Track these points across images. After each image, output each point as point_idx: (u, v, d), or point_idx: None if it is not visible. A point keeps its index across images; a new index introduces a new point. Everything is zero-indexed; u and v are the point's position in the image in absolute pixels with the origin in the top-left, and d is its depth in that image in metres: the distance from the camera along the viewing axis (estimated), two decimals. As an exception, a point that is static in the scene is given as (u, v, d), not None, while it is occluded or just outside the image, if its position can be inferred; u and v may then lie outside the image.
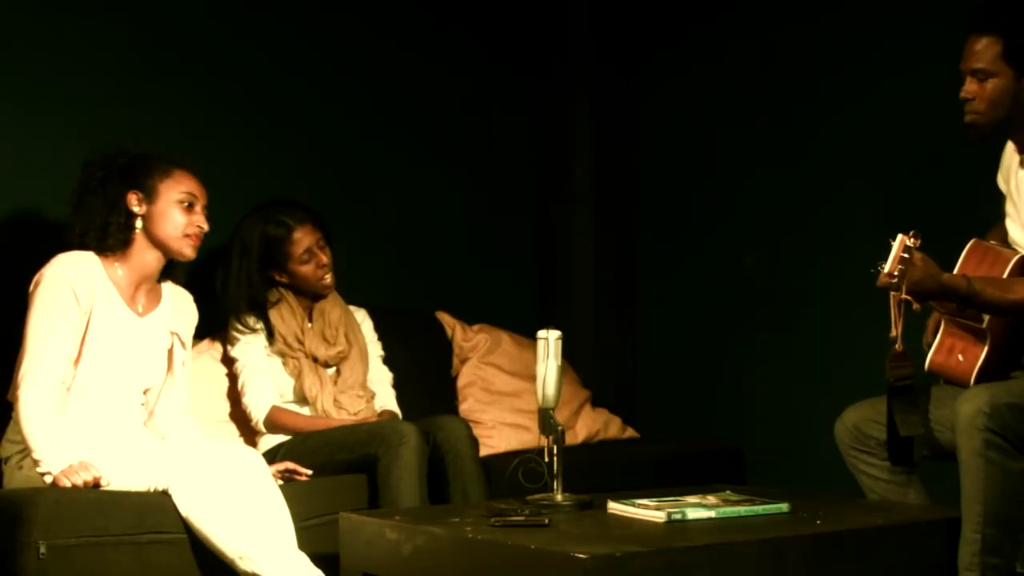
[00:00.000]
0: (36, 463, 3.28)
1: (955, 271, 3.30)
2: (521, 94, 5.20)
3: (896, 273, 3.06)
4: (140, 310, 3.54)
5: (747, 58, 4.92)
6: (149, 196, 3.51)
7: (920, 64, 4.31)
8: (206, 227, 3.57)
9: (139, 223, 3.50)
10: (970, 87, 3.26)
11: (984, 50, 3.23)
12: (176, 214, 3.52)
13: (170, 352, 3.62)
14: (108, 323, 3.45)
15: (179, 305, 3.66)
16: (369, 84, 4.83)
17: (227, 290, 4.06)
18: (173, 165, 3.56)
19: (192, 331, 3.71)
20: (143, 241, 3.52)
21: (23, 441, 3.34)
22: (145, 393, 3.59)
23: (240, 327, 4.04)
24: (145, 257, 3.53)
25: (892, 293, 3.11)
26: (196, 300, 3.73)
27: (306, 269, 4.08)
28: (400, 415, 4.13)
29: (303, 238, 4.06)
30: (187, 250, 3.54)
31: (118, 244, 3.49)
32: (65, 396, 3.39)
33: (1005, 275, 3.25)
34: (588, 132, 5.16)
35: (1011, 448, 3.04)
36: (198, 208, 3.55)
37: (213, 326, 4.15)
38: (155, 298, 3.60)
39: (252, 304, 4.05)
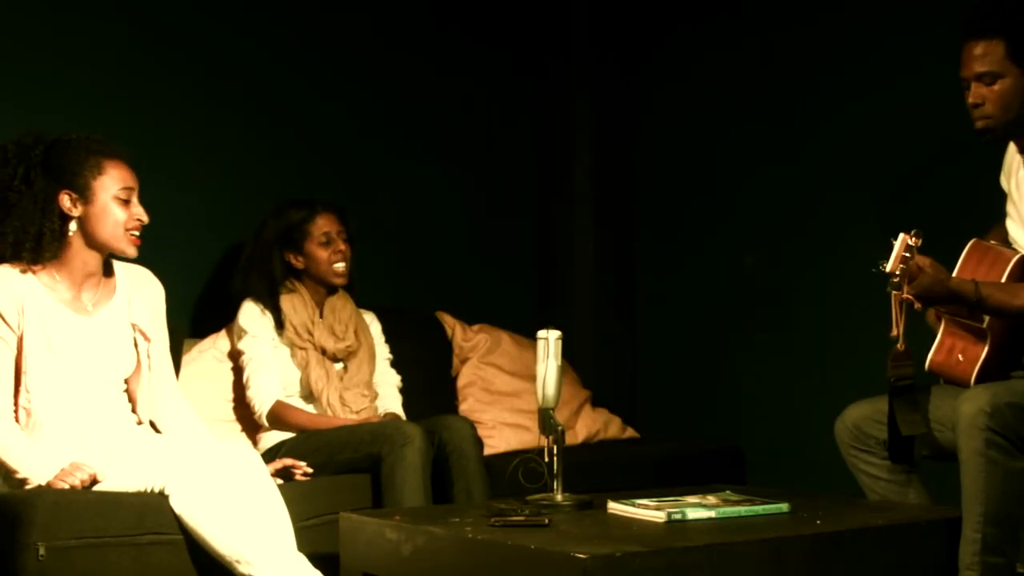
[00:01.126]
0: (24, 482, 3.24)
1: (955, 271, 3.30)
2: (521, 94, 5.20)
3: (897, 272, 3.06)
4: (89, 307, 3.41)
5: (747, 58, 4.92)
6: (84, 196, 3.32)
7: (920, 64, 4.32)
8: (146, 219, 3.39)
9: (74, 226, 3.33)
10: (978, 91, 3.25)
11: (987, 54, 3.22)
12: (115, 211, 3.34)
13: (135, 344, 3.48)
14: (48, 332, 3.31)
15: (136, 290, 3.50)
16: (369, 84, 4.84)
17: (247, 272, 4.09)
18: (103, 156, 3.35)
19: (158, 309, 3.54)
20: (79, 242, 3.35)
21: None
22: (126, 382, 3.48)
23: (249, 319, 4.04)
24: (83, 257, 3.37)
25: (894, 293, 3.11)
26: (200, 298, 3.69)
27: (322, 253, 4.10)
28: (404, 418, 4.13)
29: (325, 223, 4.12)
30: (129, 248, 3.38)
31: (53, 253, 3.32)
32: (32, 409, 3.30)
33: (1005, 275, 3.26)
34: (588, 132, 5.16)
35: (1012, 447, 3.05)
36: (135, 199, 3.38)
37: (216, 324, 4.16)
38: (107, 292, 3.45)
39: (269, 287, 4.07)
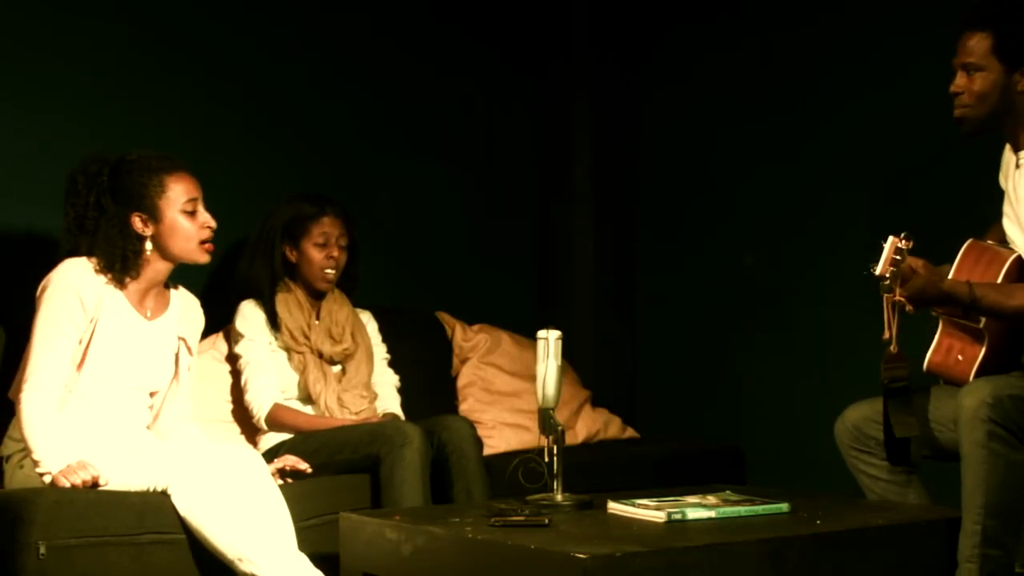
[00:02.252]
0: (35, 463, 3.28)
1: (952, 271, 3.31)
2: (521, 94, 5.20)
3: (888, 275, 3.07)
4: (148, 314, 3.54)
5: (747, 58, 4.92)
6: (153, 216, 3.47)
7: (920, 64, 4.31)
8: (214, 224, 3.55)
9: (149, 245, 3.48)
10: (960, 81, 3.31)
11: (975, 45, 3.28)
12: (184, 225, 3.49)
13: (177, 357, 3.61)
14: (116, 328, 3.45)
15: (187, 310, 3.65)
16: (369, 84, 4.84)
17: (252, 258, 4.13)
18: (163, 172, 3.49)
19: (198, 336, 3.70)
20: (155, 257, 3.50)
21: (24, 440, 3.34)
22: (152, 396, 3.58)
23: (245, 322, 4.05)
24: (157, 268, 3.52)
25: (885, 295, 3.11)
26: (199, 298, 3.72)
27: (315, 253, 4.10)
28: (403, 419, 4.13)
29: (329, 226, 4.12)
30: (203, 257, 3.54)
31: (137, 272, 3.48)
32: (66, 397, 3.39)
33: (1001, 274, 3.27)
34: (588, 132, 5.16)
35: (1014, 439, 3.06)
36: (200, 207, 3.53)
37: (215, 324, 4.16)
38: (163, 303, 3.59)
39: (268, 276, 4.08)
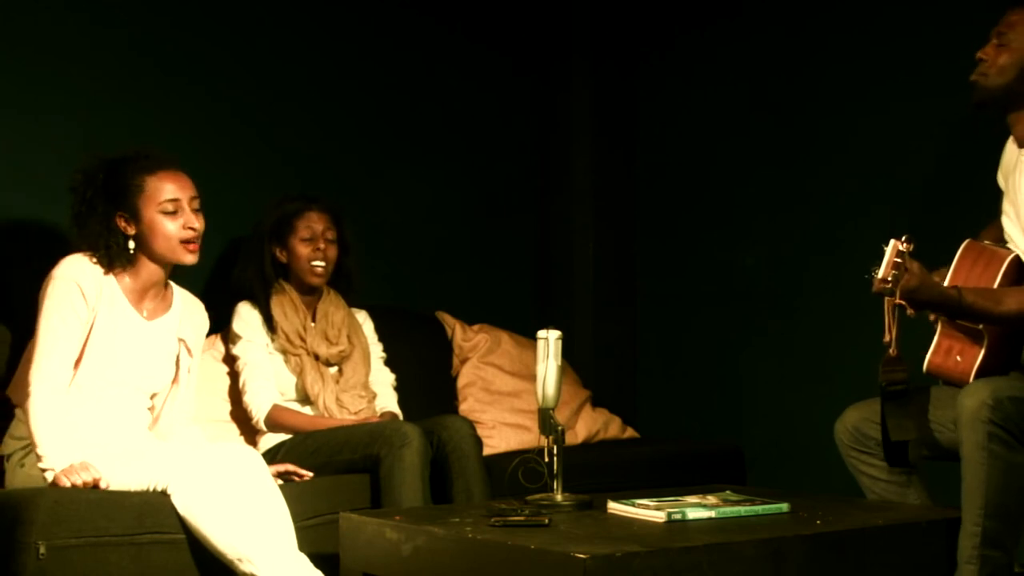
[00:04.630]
0: (39, 459, 3.28)
1: (950, 272, 3.31)
2: (521, 94, 5.20)
3: (890, 278, 3.07)
4: (146, 315, 3.53)
5: (747, 58, 4.92)
6: (134, 216, 3.44)
7: (920, 64, 4.32)
8: (198, 225, 3.49)
9: (132, 244, 3.45)
10: (988, 49, 3.32)
11: (1017, 20, 3.29)
12: (163, 225, 3.44)
13: (177, 359, 3.60)
14: (113, 325, 3.44)
15: (189, 312, 3.64)
16: (369, 84, 4.84)
17: (244, 265, 4.12)
18: (146, 172, 3.45)
19: (201, 339, 3.69)
20: (142, 257, 3.48)
21: (26, 438, 3.34)
22: (152, 398, 3.58)
23: (242, 324, 4.05)
24: (149, 268, 3.49)
25: (886, 298, 3.11)
26: (199, 298, 3.71)
27: (303, 249, 4.09)
28: (401, 417, 4.13)
29: (314, 221, 4.11)
30: (186, 257, 3.48)
31: (123, 263, 3.46)
32: (76, 391, 3.39)
33: (999, 275, 3.27)
34: (588, 132, 5.17)
35: (1014, 441, 3.06)
36: (185, 207, 3.46)
37: (215, 326, 4.16)
38: (165, 304, 3.58)
39: (260, 281, 4.07)
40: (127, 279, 3.49)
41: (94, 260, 3.44)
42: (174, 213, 3.45)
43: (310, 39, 4.71)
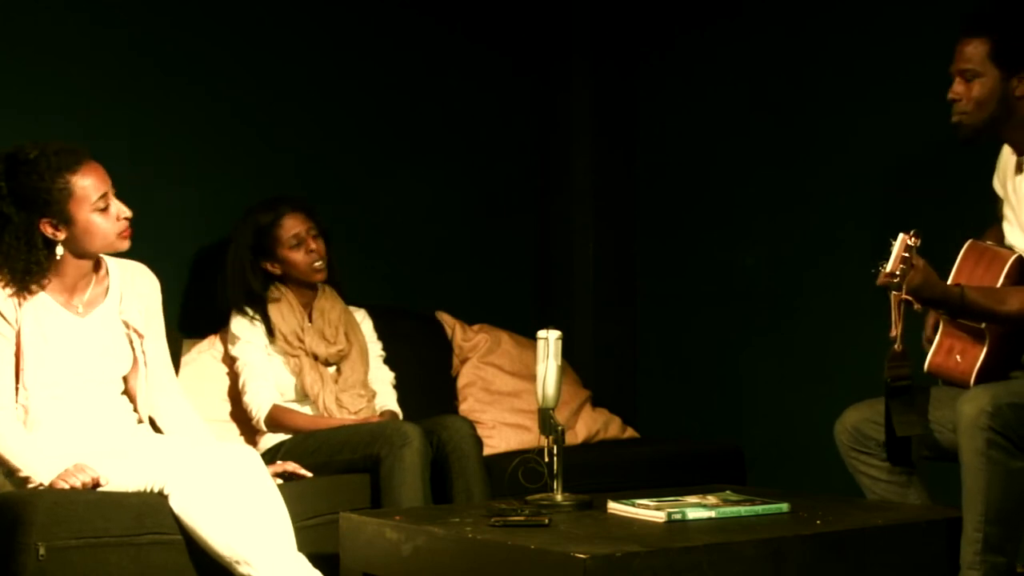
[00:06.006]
0: (27, 480, 3.24)
1: (952, 272, 3.31)
2: (521, 94, 5.20)
3: (898, 272, 3.06)
4: (81, 310, 3.40)
5: (747, 58, 4.92)
6: (64, 220, 3.27)
7: (920, 64, 4.31)
8: (128, 212, 3.35)
9: (60, 249, 3.30)
10: (957, 88, 3.31)
11: (972, 52, 3.28)
12: (99, 223, 3.31)
13: (130, 341, 3.47)
14: (41, 333, 3.32)
15: (131, 286, 3.48)
16: (369, 84, 4.83)
17: (224, 285, 4.08)
18: (66, 172, 3.26)
19: (153, 304, 3.53)
20: (69, 257, 3.33)
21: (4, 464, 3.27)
22: (123, 384, 3.48)
23: (240, 325, 4.05)
24: (75, 265, 3.36)
25: (893, 293, 3.11)
26: (196, 299, 3.69)
27: (296, 256, 4.08)
28: (401, 415, 4.14)
29: (292, 224, 4.08)
30: (123, 244, 3.36)
31: (44, 273, 3.30)
32: (22, 415, 3.31)
33: (1002, 275, 3.27)
34: (588, 132, 5.16)
35: (1013, 447, 3.05)
36: (112, 198, 3.33)
37: (214, 325, 4.16)
38: (100, 292, 3.44)
39: (250, 298, 4.05)
40: (51, 281, 3.34)
41: (6, 280, 3.26)
42: (106, 208, 3.33)
43: (310, 39, 4.71)
